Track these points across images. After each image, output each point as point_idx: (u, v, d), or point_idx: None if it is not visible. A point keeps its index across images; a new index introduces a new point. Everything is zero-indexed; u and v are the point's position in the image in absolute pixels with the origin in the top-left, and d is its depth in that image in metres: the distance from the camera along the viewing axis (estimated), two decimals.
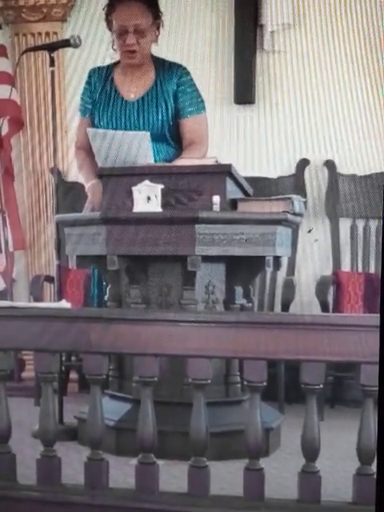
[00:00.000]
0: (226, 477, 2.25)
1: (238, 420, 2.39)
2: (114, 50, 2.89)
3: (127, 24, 2.77)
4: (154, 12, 2.83)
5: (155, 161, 2.77)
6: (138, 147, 2.59)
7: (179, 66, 2.89)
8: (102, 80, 2.92)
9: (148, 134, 2.65)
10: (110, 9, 2.83)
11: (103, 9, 2.88)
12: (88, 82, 2.95)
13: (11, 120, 3.76)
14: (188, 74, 2.89)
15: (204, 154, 2.85)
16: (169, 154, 2.89)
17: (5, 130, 3.74)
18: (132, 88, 2.88)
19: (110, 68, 2.94)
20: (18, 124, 3.80)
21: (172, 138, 2.89)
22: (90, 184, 2.87)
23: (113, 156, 2.60)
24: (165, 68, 2.88)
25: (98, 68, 2.97)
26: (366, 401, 1.94)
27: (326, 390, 3.15)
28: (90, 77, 2.95)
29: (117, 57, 2.92)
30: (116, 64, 2.94)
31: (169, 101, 2.86)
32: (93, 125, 2.92)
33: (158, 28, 2.87)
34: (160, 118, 2.86)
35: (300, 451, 1.99)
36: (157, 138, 2.80)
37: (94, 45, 3.44)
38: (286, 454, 2.56)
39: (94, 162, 2.77)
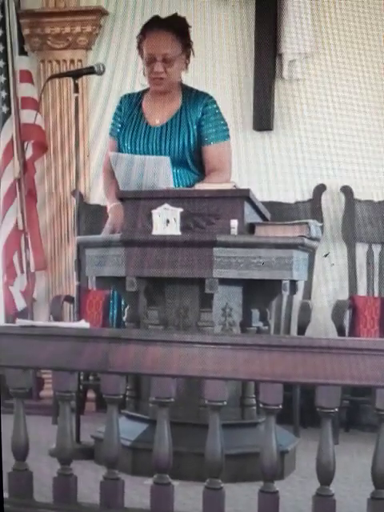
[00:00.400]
0: (241, 499, 2.24)
1: (254, 442, 2.38)
2: (145, 76, 2.95)
3: (155, 52, 2.82)
4: (184, 42, 2.87)
5: (176, 186, 2.81)
6: (159, 171, 2.63)
7: (206, 95, 2.93)
8: (131, 105, 2.97)
9: (168, 158, 2.69)
10: (141, 37, 2.89)
11: (137, 37, 2.93)
12: (118, 107, 3.00)
13: (35, 144, 3.82)
14: (214, 102, 2.92)
15: (226, 182, 2.86)
16: (190, 179, 2.92)
17: (29, 154, 3.79)
18: (158, 114, 2.93)
19: (140, 94, 2.99)
20: (42, 148, 3.85)
21: (194, 164, 2.92)
22: (112, 205, 2.92)
23: (134, 179, 2.64)
24: (192, 96, 2.92)
25: (129, 94, 3.02)
26: (381, 425, 1.93)
27: (342, 414, 3.15)
28: (120, 102, 3.00)
29: (146, 84, 2.97)
30: (146, 91, 2.99)
31: (191, 128, 2.89)
32: (118, 148, 2.98)
33: (187, 57, 2.91)
34: (181, 143, 2.89)
35: (315, 474, 1.98)
36: (178, 164, 2.84)
37: (118, 72, 3.51)
38: (300, 477, 2.55)
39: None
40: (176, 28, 2.86)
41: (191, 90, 2.95)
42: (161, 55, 2.82)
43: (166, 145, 2.89)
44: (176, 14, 2.92)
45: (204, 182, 2.85)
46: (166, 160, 2.68)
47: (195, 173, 2.93)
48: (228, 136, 2.95)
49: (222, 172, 2.89)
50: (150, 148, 2.91)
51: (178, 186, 2.84)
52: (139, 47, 2.91)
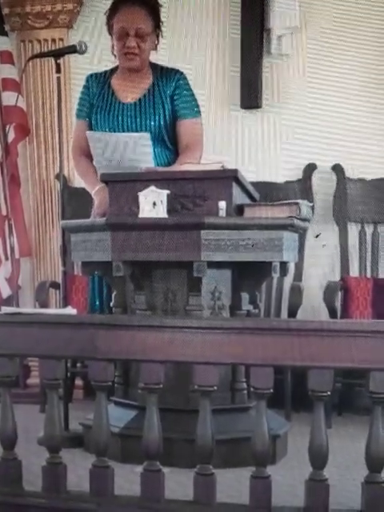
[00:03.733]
0: (233, 484, 2.23)
1: (245, 427, 2.38)
2: (114, 55, 2.91)
3: (129, 26, 2.81)
4: (155, 20, 2.87)
5: (155, 164, 2.77)
6: (139, 149, 2.61)
7: (177, 71, 2.93)
8: (99, 85, 2.95)
9: (148, 134, 2.67)
10: (112, 13, 2.88)
11: (105, 13, 2.91)
12: (86, 87, 2.98)
13: (17, 127, 3.77)
14: (185, 78, 2.92)
15: (199, 159, 2.86)
16: (167, 157, 2.90)
17: (11, 137, 3.74)
18: (130, 92, 2.92)
19: (108, 74, 2.98)
20: (24, 131, 3.80)
21: (170, 140, 2.90)
22: (96, 189, 2.87)
23: (114, 159, 2.61)
24: (163, 73, 2.92)
25: (96, 74, 3.01)
26: (374, 408, 1.92)
27: (334, 398, 3.13)
28: (87, 81, 2.98)
29: (116, 63, 2.94)
30: (114, 70, 2.97)
31: (166, 103, 2.88)
32: (90, 129, 2.93)
33: (157, 37, 2.91)
34: (157, 119, 2.87)
35: (307, 459, 1.96)
36: (155, 141, 2.81)
37: (100, 51, 3.45)
38: (293, 462, 2.54)
39: None
40: (149, 5, 2.85)
41: (161, 67, 2.95)
42: (134, 29, 2.81)
43: (142, 121, 2.87)
44: None
45: (178, 160, 2.83)
46: (146, 137, 2.64)
47: (171, 150, 2.91)
48: (199, 112, 2.94)
49: (194, 150, 2.88)
50: (125, 126, 2.88)
51: (157, 164, 2.81)
52: (108, 23, 2.89)
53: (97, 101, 2.93)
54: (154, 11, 2.86)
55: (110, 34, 2.90)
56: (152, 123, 2.86)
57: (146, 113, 2.87)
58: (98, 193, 2.87)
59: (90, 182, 2.90)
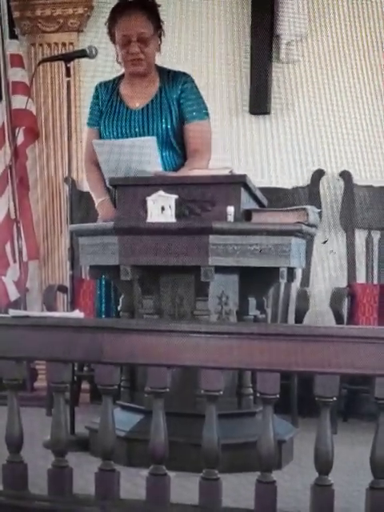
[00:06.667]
0: (238, 489, 2.23)
1: (251, 432, 2.37)
2: (119, 62, 2.92)
3: (130, 33, 2.81)
4: (155, 22, 2.87)
5: (163, 169, 2.78)
6: (146, 154, 2.61)
7: (183, 74, 2.93)
8: (108, 92, 2.96)
9: (155, 138, 2.68)
10: (112, 22, 2.88)
11: (105, 23, 2.91)
12: (95, 96, 2.99)
13: (27, 130, 3.79)
14: (192, 81, 2.92)
15: (207, 162, 2.86)
16: (175, 160, 2.90)
17: (20, 140, 3.76)
18: (137, 98, 2.92)
19: (116, 81, 2.99)
20: (33, 134, 3.82)
21: (178, 144, 2.91)
22: (100, 201, 2.90)
23: (120, 165, 2.62)
24: (169, 77, 2.92)
25: (104, 82, 3.02)
26: (380, 414, 1.92)
27: (340, 403, 3.13)
28: (96, 90, 3.00)
29: (123, 70, 2.95)
30: (122, 77, 2.98)
31: (173, 107, 2.88)
32: (100, 136, 2.94)
33: (159, 37, 2.90)
34: (165, 124, 2.88)
35: (313, 464, 1.96)
36: (163, 145, 2.82)
37: (110, 55, 3.46)
38: (298, 467, 2.54)
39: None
40: (147, 8, 2.85)
41: (168, 71, 2.94)
42: (136, 35, 2.82)
43: (150, 126, 2.88)
44: None
45: (186, 164, 2.84)
46: (152, 140, 2.65)
47: (180, 154, 2.92)
48: (207, 114, 2.93)
49: (203, 153, 2.88)
50: (133, 131, 2.89)
51: (165, 168, 2.82)
52: (110, 32, 2.89)
53: (105, 108, 2.95)
54: (153, 14, 2.86)
55: (113, 42, 2.90)
56: (160, 128, 2.87)
57: (154, 118, 2.88)
58: (101, 205, 2.89)
59: (96, 194, 2.93)
